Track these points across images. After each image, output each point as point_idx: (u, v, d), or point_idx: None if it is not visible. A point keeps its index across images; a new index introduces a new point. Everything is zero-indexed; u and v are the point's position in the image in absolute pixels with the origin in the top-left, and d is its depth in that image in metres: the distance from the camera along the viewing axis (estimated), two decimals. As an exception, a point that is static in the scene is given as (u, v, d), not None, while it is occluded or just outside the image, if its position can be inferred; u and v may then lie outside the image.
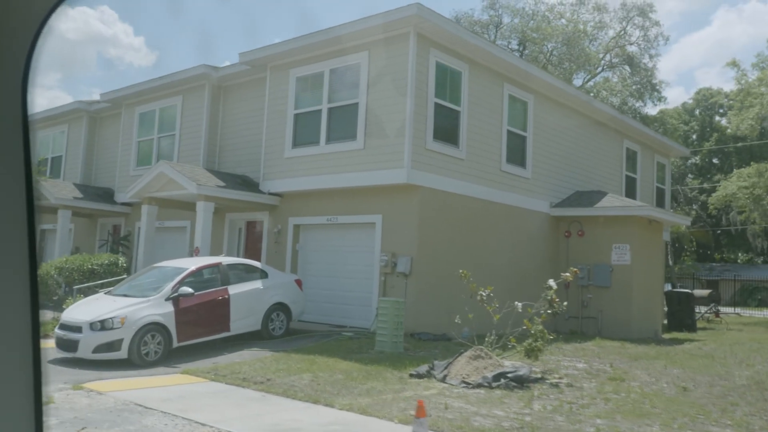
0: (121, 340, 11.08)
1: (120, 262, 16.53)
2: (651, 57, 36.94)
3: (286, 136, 16.52)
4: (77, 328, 11.17)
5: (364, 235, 15.34)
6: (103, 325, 11.08)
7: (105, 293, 12.75)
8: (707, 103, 36.91)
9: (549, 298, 12.03)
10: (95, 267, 16.09)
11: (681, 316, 21.38)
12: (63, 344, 11.29)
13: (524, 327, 11.62)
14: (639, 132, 22.62)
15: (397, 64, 14.41)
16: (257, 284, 13.45)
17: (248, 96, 18.53)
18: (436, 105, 14.74)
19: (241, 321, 12.99)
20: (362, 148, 14.85)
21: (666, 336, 19.22)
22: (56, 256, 20.12)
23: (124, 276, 16.71)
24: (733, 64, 32.15)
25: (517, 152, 17.26)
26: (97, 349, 11.01)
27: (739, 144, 35.08)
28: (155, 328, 11.47)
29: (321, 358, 11.68)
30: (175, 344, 11.84)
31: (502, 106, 16.76)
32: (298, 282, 14.40)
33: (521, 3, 49.08)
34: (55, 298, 16.24)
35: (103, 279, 16.27)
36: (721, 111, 35.91)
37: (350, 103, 15.27)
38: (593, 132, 20.74)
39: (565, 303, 12.73)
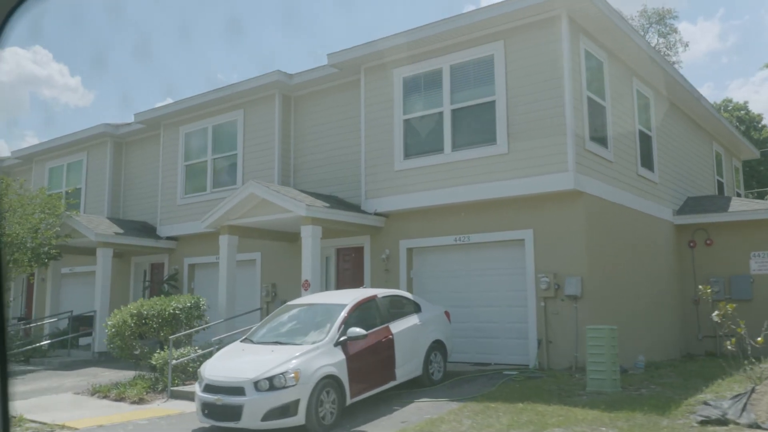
0: (297, 402, 8.53)
1: (201, 303, 13.86)
2: (672, 64, 36.13)
3: (394, 146, 14.22)
4: (236, 390, 8.58)
5: (507, 255, 13.09)
6: (272, 384, 8.52)
7: (241, 341, 10.14)
8: (739, 113, 36.13)
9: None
10: (177, 311, 13.37)
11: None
12: (217, 412, 8.67)
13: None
14: (724, 133, 21.13)
15: (546, 52, 12.39)
16: (414, 320, 11.05)
17: (327, 104, 16.20)
18: (588, 99, 12.75)
19: (405, 366, 10.57)
20: (506, 153, 12.68)
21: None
22: (98, 303, 17.20)
23: (207, 319, 13.99)
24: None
25: (646, 154, 15.39)
26: (268, 416, 8.44)
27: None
28: (330, 382, 8.97)
29: (530, 406, 9.37)
30: (348, 401, 9.34)
31: (633, 103, 14.90)
32: (447, 314, 12.05)
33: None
34: (136, 352, 13.39)
35: (185, 324, 13.53)
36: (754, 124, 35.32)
37: (483, 102, 13.14)
38: (693, 133, 19.11)
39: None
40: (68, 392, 12.79)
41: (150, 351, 13.36)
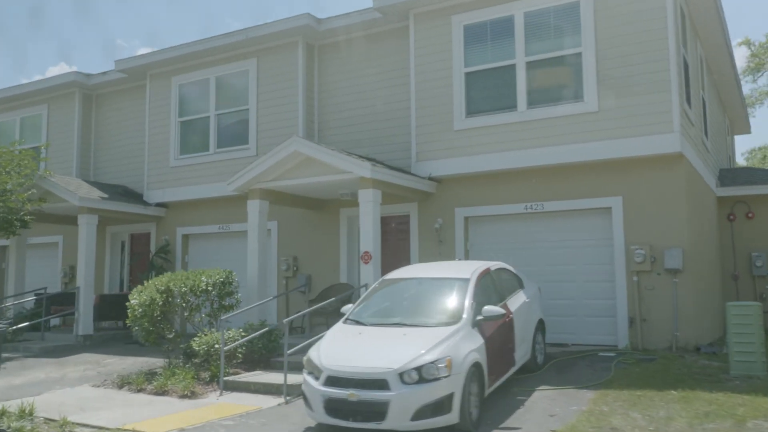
0: (450, 396, 6.95)
1: (233, 279, 11.86)
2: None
3: (454, 103, 12.65)
4: (377, 383, 6.90)
5: (589, 225, 11.87)
6: (421, 375, 6.90)
7: (345, 323, 8.38)
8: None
9: None
10: (209, 287, 11.33)
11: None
12: (349, 410, 6.96)
13: None
14: (736, 105, 20.75)
15: None
16: (522, 296, 9.65)
17: (362, 54, 14.37)
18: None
19: (520, 349, 9.17)
20: (595, 111, 11.40)
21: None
22: (82, 278, 14.74)
23: (238, 297, 12.00)
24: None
25: (704, 120, 14.54)
26: (419, 414, 6.81)
27: None
28: (475, 371, 7.44)
29: (688, 393, 8.25)
30: (486, 392, 7.86)
31: (698, 63, 13.97)
32: (539, 290, 10.72)
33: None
34: (169, 336, 11.24)
35: (216, 300, 11.51)
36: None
37: (566, 54, 11.78)
38: (717, 103, 18.54)
39: None
40: (83, 384, 10.59)
41: (179, 334, 11.32)
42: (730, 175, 16.64)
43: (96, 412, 8.55)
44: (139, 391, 9.88)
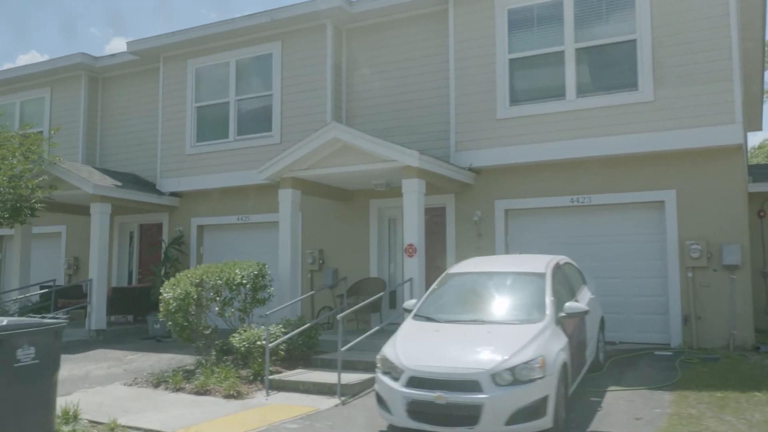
0: (545, 399, 6.44)
1: (266, 271, 11.23)
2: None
3: (497, 90, 12.15)
4: (467, 385, 6.36)
5: (640, 219, 11.45)
6: (515, 376, 6.38)
7: (416, 319, 7.81)
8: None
9: None
10: (243, 281, 10.69)
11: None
12: (436, 414, 6.42)
13: None
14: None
15: (706, -15, 10.72)
16: (587, 292, 9.18)
17: (391, 37, 13.79)
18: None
19: (589, 347, 8.71)
20: (651, 101, 10.96)
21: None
22: (95, 270, 13.99)
23: (271, 291, 11.37)
24: None
25: (743, 115, 14.20)
26: (514, 418, 6.29)
27: None
28: (564, 372, 6.95)
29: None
30: (569, 393, 7.37)
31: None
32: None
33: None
34: (207, 332, 10.56)
35: (249, 294, 10.89)
36: None
37: (619, 41, 11.32)
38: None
39: None
40: (114, 383, 9.91)
41: (215, 330, 10.68)
42: (760, 170, 16.35)
43: (142, 414, 7.90)
44: (178, 390, 9.23)
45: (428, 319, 7.70)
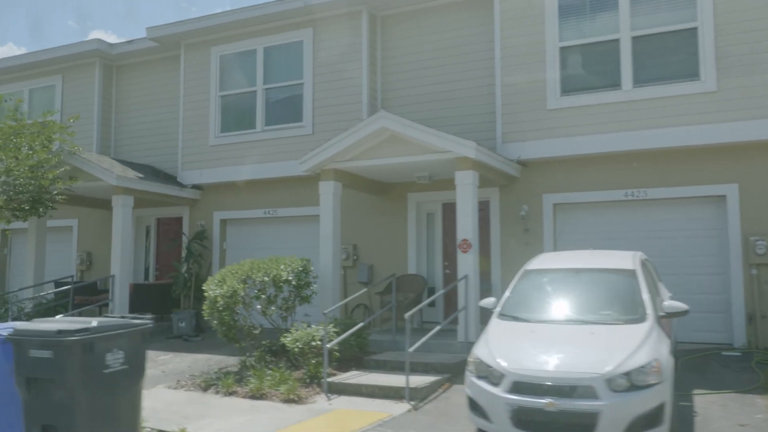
0: (662, 406, 5.98)
1: (310, 267, 10.68)
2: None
3: (547, 80, 11.68)
4: (580, 390, 5.88)
5: (699, 214, 11.06)
6: (631, 381, 5.91)
7: (502, 319, 7.30)
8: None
9: None
10: (289, 277, 10.12)
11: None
12: (546, 422, 5.92)
13: None
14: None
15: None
16: (665, 290, 8.74)
17: (425, 26, 13.26)
18: (801, 34, 10.87)
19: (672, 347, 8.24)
20: (714, 91, 10.55)
21: None
22: (117, 266, 13.34)
23: (315, 288, 10.81)
24: None
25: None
26: (633, 427, 5.82)
27: None
28: (673, 376, 6.48)
29: None
30: (668, 399, 6.91)
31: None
32: (661, 283, 9.82)
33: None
34: (256, 332, 9.98)
35: (294, 291, 10.33)
36: None
37: (679, 29, 10.88)
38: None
39: None
40: (156, 386, 9.32)
41: (262, 330, 10.11)
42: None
43: (205, 421, 7.34)
44: (230, 394, 8.67)
45: (516, 318, 7.20)
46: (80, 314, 14.82)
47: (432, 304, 12.78)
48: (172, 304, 14.80)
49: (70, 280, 14.56)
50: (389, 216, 13.26)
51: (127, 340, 5.05)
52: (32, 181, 12.30)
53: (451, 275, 12.76)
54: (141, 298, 14.25)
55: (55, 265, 16.68)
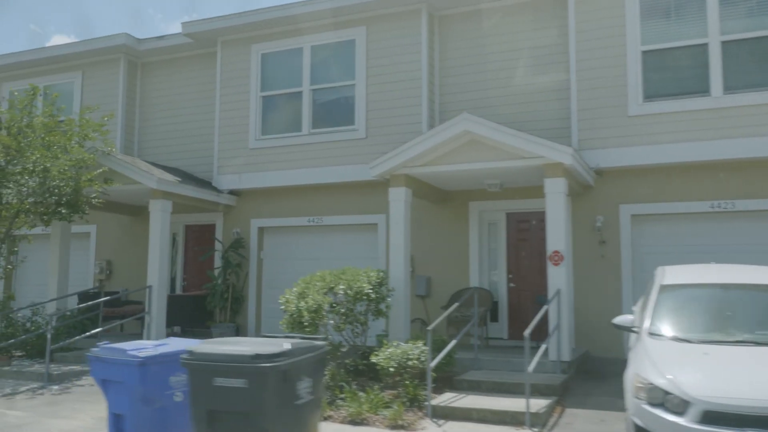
0: None
1: (386, 280, 9.89)
2: None
3: (628, 85, 11.14)
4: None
5: (792, 228, 10.58)
6: None
7: (652, 338, 6.60)
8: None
9: None
10: (369, 290, 9.32)
11: None
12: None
13: None
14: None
15: None
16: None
17: (497, 25, 12.66)
18: None
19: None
20: (812, 99, 10.12)
21: None
22: (155, 275, 12.36)
23: (389, 303, 10.01)
24: None
25: None
26: None
27: None
28: None
29: None
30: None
31: None
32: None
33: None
34: (344, 349, 9.09)
35: (372, 305, 9.53)
36: None
37: (773, 35, 10.45)
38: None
39: None
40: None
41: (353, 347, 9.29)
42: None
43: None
44: (325, 418, 7.80)
45: (677, 339, 6.52)
46: (121, 328, 13.80)
47: (495, 320, 12.16)
48: (205, 317, 13.85)
49: (96, 290, 13.48)
50: (448, 226, 12.55)
51: (313, 365, 4.24)
52: (71, 182, 11.30)
53: (515, 289, 12.11)
54: (172, 310, 13.26)
55: (74, 274, 15.52)
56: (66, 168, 11.17)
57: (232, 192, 14.17)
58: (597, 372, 10.03)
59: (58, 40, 51.84)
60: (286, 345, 4.04)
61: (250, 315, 13.87)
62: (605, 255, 11.30)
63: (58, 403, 8.98)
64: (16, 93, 12.23)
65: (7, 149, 11.09)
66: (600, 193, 11.51)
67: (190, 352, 4.07)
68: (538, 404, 7.85)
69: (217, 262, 14.12)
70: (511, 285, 12.19)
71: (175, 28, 48.49)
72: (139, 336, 12.78)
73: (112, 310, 13.55)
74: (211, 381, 3.86)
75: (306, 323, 8.61)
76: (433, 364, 8.21)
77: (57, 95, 12.51)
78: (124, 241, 15.42)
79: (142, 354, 4.53)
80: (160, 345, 4.77)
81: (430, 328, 8.44)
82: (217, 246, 14.19)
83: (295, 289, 9.15)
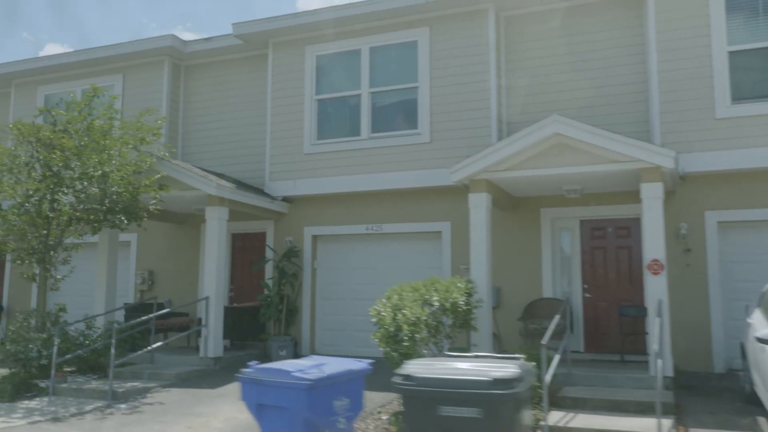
0: None
1: (474, 291, 9.37)
2: None
3: (715, 87, 10.69)
4: None
5: None
6: None
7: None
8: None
9: None
10: (462, 302, 8.80)
11: None
12: None
13: None
14: None
15: None
16: None
17: (571, 25, 12.22)
18: None
19: None
20: None
21: None
22: (212, 286, 11.81)
23: (474, 315, 9.49)
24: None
25: None
26: None
27: None
28: None
29: None
30: None
31: None
32: None
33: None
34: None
35: (462, 317, 9.00)
36: None
37: None
38: None
39: None
40: None
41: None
42: None
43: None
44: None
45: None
46: (165, 338, 13.20)
47: (570, 331, 11.62)
48: (258, 329, 13.29)
49: (153, 301, 12.89)
50: (518, 233, 12.05)
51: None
52: (130, 188, 10.76)
53: (591, 300, 11.61)
54: (226, 323, 12.68)
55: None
56: (128, 174, 10.63)
57: (285, 199, 13.64)
58: (695, 388, 9.52)
59: (52, 49, 51.22)
60: (511, 367, 3.51)
61: (304, 327, 13.32)
62: (691, 264, 10.81)
63: (132, 424, 8.40)
64: (72, 95, 11.67)
65: (63, 152, 10.52)
66: (683, 199, 11.03)
67: (407, 377, 3.54)
68: (665, 425, 7.32)
69: (268, 272, 13.57)
70: (587, 295, 11.68)
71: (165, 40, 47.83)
72: (188, 350, 12.22)
73: (161, 322, 12.95)
74: (434, 410, 3.33)
75: (405, 338, 8.05)
76: (548, 379, 7.67)
77: (115, 97, 11.98)
78: (166, 251, 14.86)
79: (310, 376, 4.00)
80: (319, 365, 4.24)
81: (560, 344, 7.90)
82: (269, 254, 13.63)
83: (388, 301, 8.59)
